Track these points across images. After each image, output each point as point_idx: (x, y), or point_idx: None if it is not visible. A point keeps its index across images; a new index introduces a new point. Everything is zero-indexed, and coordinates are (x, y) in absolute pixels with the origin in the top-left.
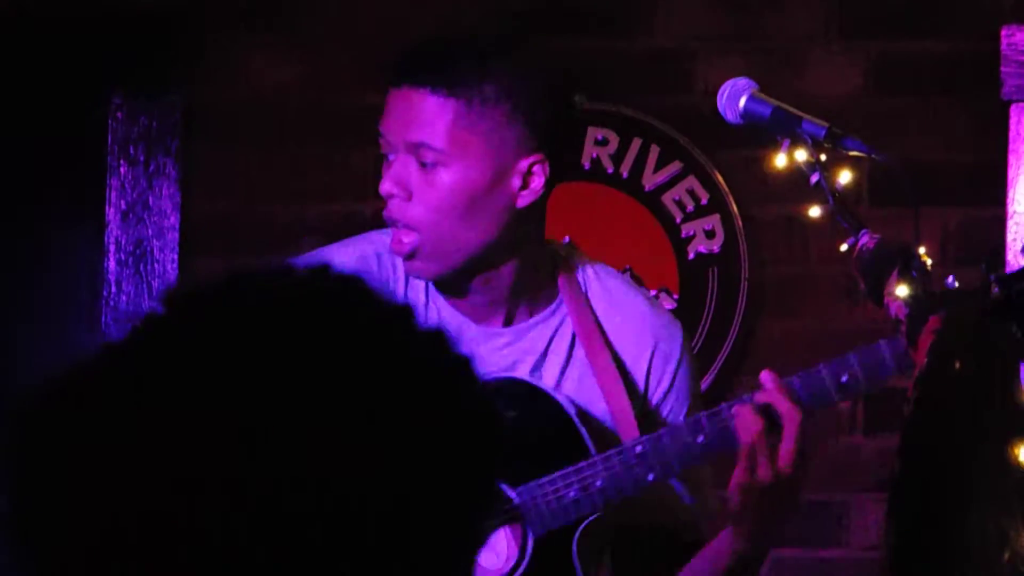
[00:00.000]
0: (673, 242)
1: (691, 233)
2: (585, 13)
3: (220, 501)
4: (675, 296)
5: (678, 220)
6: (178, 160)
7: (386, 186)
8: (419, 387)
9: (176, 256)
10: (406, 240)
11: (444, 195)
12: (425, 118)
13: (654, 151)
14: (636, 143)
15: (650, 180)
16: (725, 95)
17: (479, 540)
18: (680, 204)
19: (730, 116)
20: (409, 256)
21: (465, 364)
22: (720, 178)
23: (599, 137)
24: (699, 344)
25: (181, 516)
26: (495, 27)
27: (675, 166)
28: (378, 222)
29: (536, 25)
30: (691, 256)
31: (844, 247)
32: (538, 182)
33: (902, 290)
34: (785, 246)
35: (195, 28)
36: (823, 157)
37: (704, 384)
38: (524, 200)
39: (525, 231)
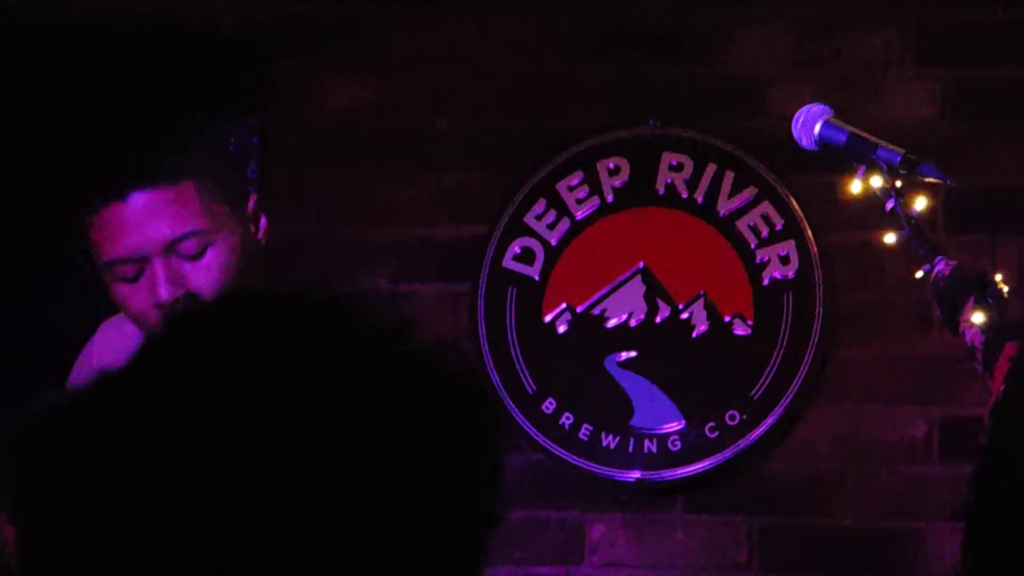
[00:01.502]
0: (748, 268)
1: (766, 259)
2: (660, 39)
3: (220, 524)
4: (749, 322)
5: (753, 246)
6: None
7: (167, 291)
8: (419, 400)
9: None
10: None
11: (220, 272)
12: (178, 210)
13: (729, 177)
14: (711, 168)
15: (725, 206)
16: (800, 121)
17: (484, 554)
18: (755, 230)
19: (805, 142)
20: None
21: (464, 380)
22: (795, 204)
23: (674, 163)
24: (773, 371)
25: (182, 542)
26: (561, 54)
27: (750, 192)
28: (450, 245)
29: (611, 51)
30: (766, 282)
31: (919, 274)
32: (262, 221)
33: (978, 317)
34: (860, 273)
35: (270, 52)
36: (899, 183)
37: (778, 412)
38: (263, 238)
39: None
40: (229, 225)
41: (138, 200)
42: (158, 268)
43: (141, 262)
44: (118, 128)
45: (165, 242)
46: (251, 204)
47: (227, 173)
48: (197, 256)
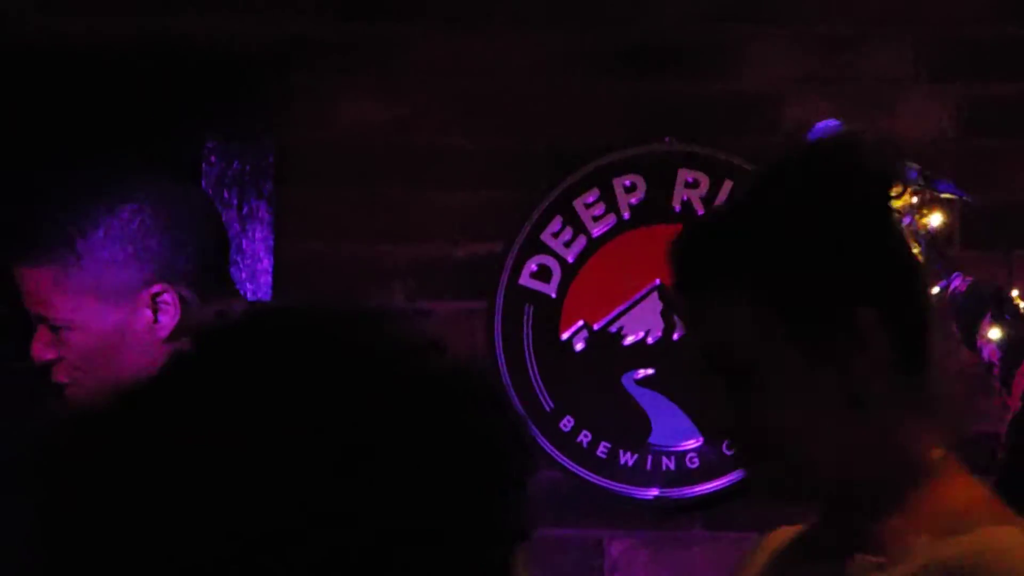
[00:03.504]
0: None
1: None
2: (676, 56)
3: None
4: None
5: None
6: (271, 203)
7: (35, 353)
8: (449, 416)
9: (269, 299)
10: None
11: (85, 354)
12: (36, 292)
13: None
14: (727, 185)
15: None
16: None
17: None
18: None
19: None
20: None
21: (492, 396)
22: None
23: (689, 179)
24: None
25: (201, 562)
26: (577, 71)
27: None
28: (470, 264)
29: (626, 68)
30: None
31: (936, 290)
32: (170, 310)
33: (995, 333)
34: None
35: (285, 71)
36: (914, 199)
37: None
38: (164, 330)
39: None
40: (99, 313)
41: (18, 273)
42: (38, 329)
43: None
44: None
45: (34, 314)
46: (155, 289)
47: (117, 255)
48: (59, 332)
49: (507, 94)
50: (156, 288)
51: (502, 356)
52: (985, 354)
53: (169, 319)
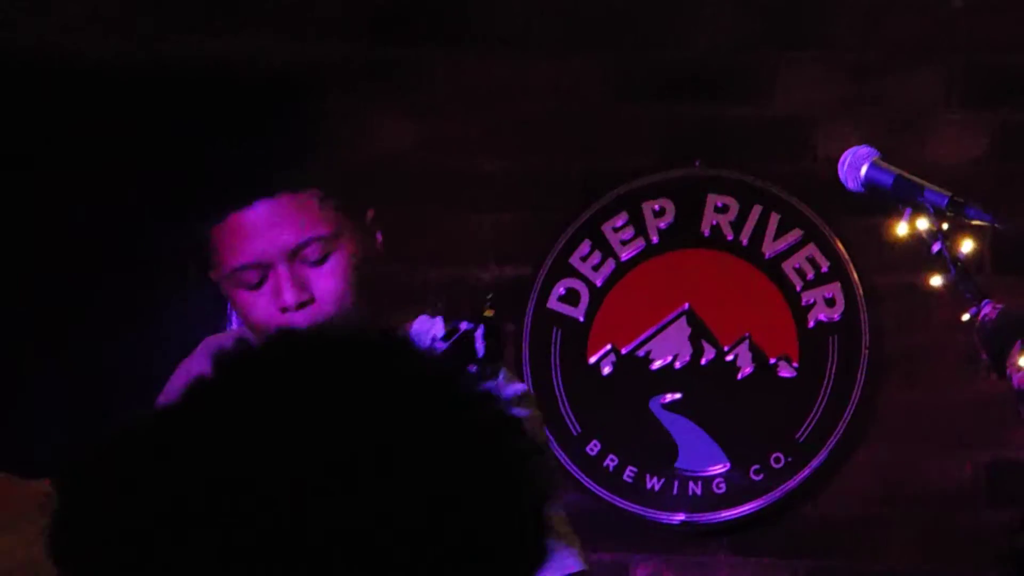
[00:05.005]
0: (793, 310)
1: (811, 301)
2: (706, 80)
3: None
4: (795, 364)
5: (798, 288)
6: None
7: (292, 295)
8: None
9: None
10: None
11: (343, 278)
12: (302, 216)
13: (774, 218)
14: (756, 210)
15: (770, 247)
16: (847, 163)
17: None
18: (800, 272)
19: (851, 184)
20: None
21: (510, 424)
22: (841, 246)
23: (719, 204)
24: (818, 413)
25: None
26: (607, 96)
27: (795, 234)
28: (498, 287)
29: (656, 92)
30: (811, 324)
31: (966, 317)
32: (378, 234)
33: None
34: (906, 315)
35: (317, 92)
36: (945, 226)
37: (823, 454)
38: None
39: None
40: (349, 233)
41: (263, 207)
42: (282, 273)
43: (265, 268)
44: (243, 140)
45: (289, 247)
46: (369, 215)
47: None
48: (320, 262)
49: (538, 118)
50: (371, 211)
51: (529, 379)
52: (1015, 381)
53: (379, 242)
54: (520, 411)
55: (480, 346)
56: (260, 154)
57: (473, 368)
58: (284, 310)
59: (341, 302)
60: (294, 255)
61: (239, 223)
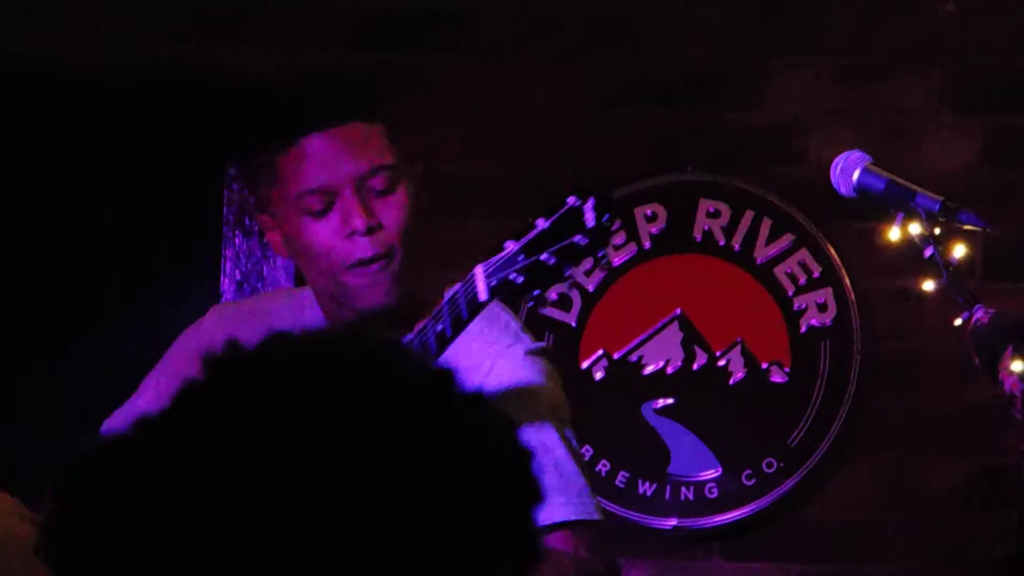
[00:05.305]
0: (785, 315)
1: (803, 306)
2: (698, 85)
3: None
4: (787, 369)
5: (790, 293)
6: None
7: (362, 220)
8: (457, 448)
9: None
10: (388, 279)
11: (406, 212)
12: (371, 145)
13: (766, 224)
14: (748, 215)
15: (762, 253)
16: (839, 168)
17: None
18: (792, 277)
19: (843, 189)
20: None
21: (503, 425)
22: (833, 251)
23: (711, 209)
24: (810, 419)
25: None
26: (598, 101)
27: (787, 239)
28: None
29: (648, 97)
30: (803, 329)
31: (958, 322)
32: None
33: (1017, 365)
34: (898, 320)
35: (312, 99)
36: (937, 231)
37: (815, 459)
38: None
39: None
40: (409, 175)
41: (332, 134)
42: (350, 199)
43: (331, 195)
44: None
45: (357, 174)
46: (419, 168)
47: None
48: (386, 192)
49: (528, 123)
50: (420, 164)
51: None
52: (1007, 386)
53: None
54: (532, 375)
55: (591, 217)
56: (333, 84)
57: (583, 240)
58: (351, 235)
59: (405, 236)
60: (362, 183)
61: (308, 149)
